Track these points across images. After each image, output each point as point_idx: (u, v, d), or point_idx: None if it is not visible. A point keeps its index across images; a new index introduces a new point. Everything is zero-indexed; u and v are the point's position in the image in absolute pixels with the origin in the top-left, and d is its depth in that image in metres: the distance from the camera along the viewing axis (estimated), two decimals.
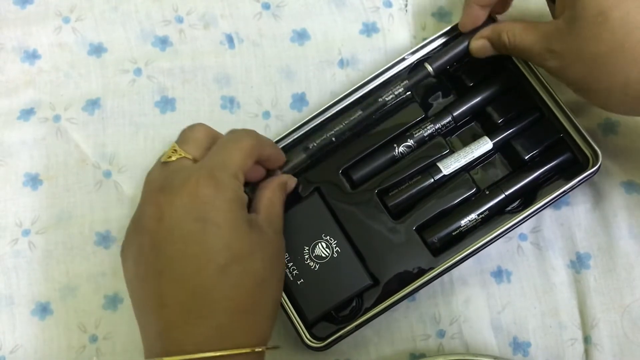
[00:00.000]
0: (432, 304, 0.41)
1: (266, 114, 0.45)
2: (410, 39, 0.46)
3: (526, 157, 0.40)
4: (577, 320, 0.40)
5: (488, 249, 0.39)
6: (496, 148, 0.41)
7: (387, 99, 0.41)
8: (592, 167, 0.38)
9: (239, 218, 0.33)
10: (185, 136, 0.36)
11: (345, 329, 0.38)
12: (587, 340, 0.40)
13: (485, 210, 0.39)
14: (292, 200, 0.39)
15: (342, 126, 0.40)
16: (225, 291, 0.32)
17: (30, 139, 0.44)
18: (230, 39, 0.46)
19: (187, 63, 0.45)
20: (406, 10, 0.46)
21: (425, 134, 0.41)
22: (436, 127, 0.41)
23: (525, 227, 0.42)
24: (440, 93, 0.42)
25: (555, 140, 0.40)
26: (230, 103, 0.45)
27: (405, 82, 0.41)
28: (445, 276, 0.41)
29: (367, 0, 0.46)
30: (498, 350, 0.40)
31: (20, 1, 0.46)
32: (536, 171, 0.39)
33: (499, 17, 0.41)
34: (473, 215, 0.39)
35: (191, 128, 0.37)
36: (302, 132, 0.42)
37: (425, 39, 0.42)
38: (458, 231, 0.39)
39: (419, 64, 0.42)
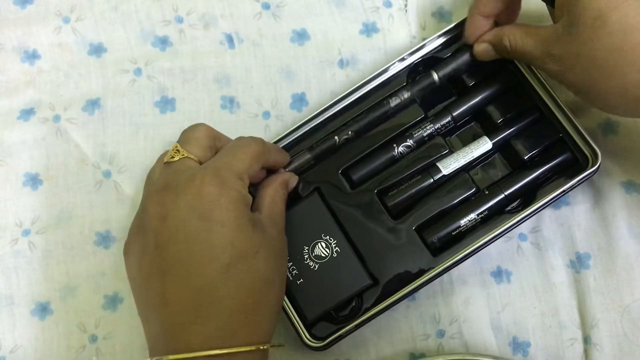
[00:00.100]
0: (432, 304, 0.41)
1: (266, 114, 0.45)
2: (410, 39, 0.46)
3: (526, 157, 0.40)
4: (576, 320, 0.40)
5: (488, 249, 0.39)
6: (496, 148, 0.41)
7: (392, 104, 0.41)
8: (592, 167, 0.39)
9: (243, 217, 0.33)
10: (186, 136, 0.37)
11: (345, 329, 0.38)
12: (586, 340, 0.40)
13: (484, 210, 0.39)
14: (291, 200, 0.40)
15: (346, 128, 0.41)
16: (230, 290, 0.32)
17: (30, 139, 0.44)
18: (230, 39, 0.46)
19: (187, 63, 0.45)
20: (406, 10, 0.46)
21: (425, 134, 0.41)
22: (436, 127, 0.41)
23: (524, 227, 0.42)
24: (440, 93, 0.42)
25: (555, 140, 0.40)
26: (230, 103, 0.45)
27: (410, 88, 0.41)
28: (445, 276, 0.41)
29: (367, 0, 0.46)
30: (498, 350, 0.40)
31: (20, 1, 0.46)
32: (536, 171, 0.39)
33: None
34: (473, 215, 0.39)
35: (193, 128, 0.37)
36: (302, 132, 0.42)
37: (425, 39, 0.42)
38: (458, 231, 0.39)
39: (425, 71, 0.42)
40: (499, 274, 0.41)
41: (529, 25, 0.37)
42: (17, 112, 0.44)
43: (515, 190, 0.39)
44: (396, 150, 0.41)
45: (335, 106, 0.42)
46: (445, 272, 0.38)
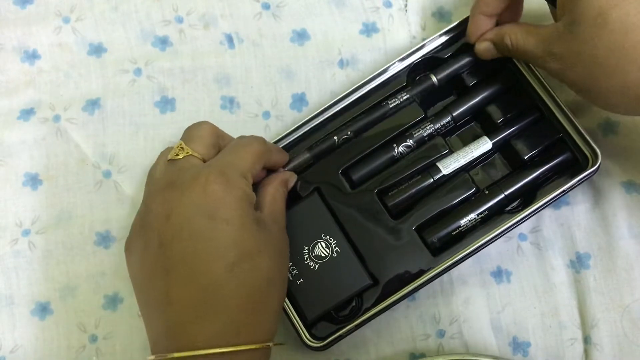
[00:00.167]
0: (432, 304, 0.41)
1: (266, 114, 0.45)
2: (410, 39, 0.46)
3: (526, 157, 0.40)
4: (576, 320, 0.40)
5: (488, 249, 0.39)
6: (496, 148, 0.41)
7: (391, 105, 0.41)
8: (592, 166, 0.39)
9: (248, 215, 0.33)
10: (191, 134, 0.37)
11: (345, 329, 0.38)
12: (586, 340, 0.40)
13: (484, 210, 0.39)
14: (291, 200, 0.40)
15: (346, 128, 0.41)
16: (235, 288, 0.32)
17: (30, 139, 0.44)
18: (230, 39, 0.46)
19: (187, 63, 0.45)
20: (406, 10, 0.46)
21: (425, 134, 0.41)
22: (436, 127, 0.41)
23: (524, 227, 0.42)
24: (439, 93, 0.42)
25: (555, 140, 0.40)
26: (230, 103, 0.45)
27: (410, 91, 0.41)
28: (445, 276, 0.41)
29: (367, 0, 0.46)
30: (498, 350, 0.40)
31: (20, 1, 0.46)
32: (536, 171, 0.39)
33: None
34: (473, 215, 0.39)
35: (197, 126, 0.37)
36: (302, 132, 0.42)
37: (425, 39, 0.42)
38: (458, 231, 0.39)
39: (424, 74, 0.42)
40: (499, 274, 0.41)
41: (530, 24, 0.37)
42: (17, 112, 0.44)
43: (515, 190, 0.39)
44: (396, 150, 0.41)
45: (335, 106, 0.42)
46: (445, 272, 0.38)
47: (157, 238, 0.32)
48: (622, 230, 0.41)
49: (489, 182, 0.41)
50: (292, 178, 0.40)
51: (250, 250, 0.32)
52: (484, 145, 0.40)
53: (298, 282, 0.38)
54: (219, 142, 0.37)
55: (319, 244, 0.39)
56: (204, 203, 0.32)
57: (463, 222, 0.39)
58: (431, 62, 0.42)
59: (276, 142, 0.41)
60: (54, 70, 0.45)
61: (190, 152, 0.35)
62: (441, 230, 0.39)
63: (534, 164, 0.40)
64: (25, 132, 0.44)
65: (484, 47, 0.40)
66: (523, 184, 0.39)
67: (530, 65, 0.40)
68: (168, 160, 0.35)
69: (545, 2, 0.38)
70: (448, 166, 0.40)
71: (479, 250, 0.38)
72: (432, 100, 0.42)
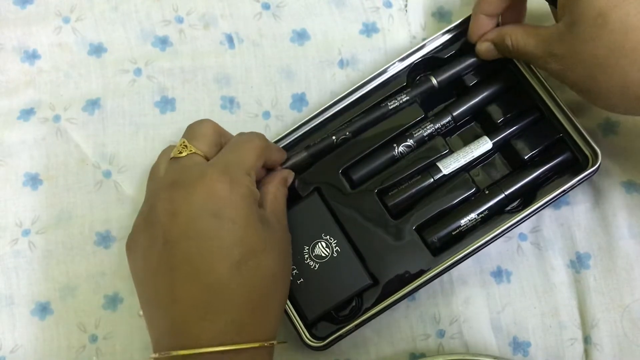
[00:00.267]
0: (432, 304, 0.41)
1: (266, 114, 0.45)
2: (410, 39, 0.46)
3: (526, 157, 0.40)
4: (577, 320, 0.40)
5: (488, 249, 0.39)
6: (496, 148, 0.41)
7: (391, 106, 0.41)
8: (592, 166, 0.39)
9: (252, 214, 0.33)
10: (193, 132, 0.37)
11: (345, 329, 0.38)
12: (587, 340, 0.40)
13: (485, 210, 0.39)
14: (291, 200, 0.40)
15: (344, 128, 0.41)
16: (240, 287, 0.32)
17: (30, 139, 0.44)
18: (230, 39, 0.46)
19: (187, 63, 0.45)
20: (406, 10, 0.46)
21: (425, 134, 0.41)
22: (436, 127, 0.41)
23: (524, 227, 0.42)
24: (439, 93, 0.42)
25: (555, 140, 0.40)
26: (230, 103, 0.45)
27: (409, 92, 0.41)
28: (445, 276, 0.41)
29: (367, 0, 0.46)
30: (498, 350, 0.40)
31: (20, 1, 0.46)
32: (536, 171, 0.39)
33: None
34: (473, 215, 0.39)
35: (199, 123, 0.37)
36: (302, 132, 0.42)
37: (425, 39, 0.42)
38: (458, 231, 0.39)
39: (424, 76, 0.42)
40: (499, 274, 0.41)
41: (531, 25, 0.37)
42: (17, 112, 0.44)
43: (516, 190, 0.39)
44: (396, 150, 0.41)
45: (335, 106, 0.42)
46: (445, 272, 0.38)
47: (162, 236, 0.32)
48: (622, 230, 0.41)
49: (489, 182, 0.41)
50: (291, 176, 0.40)
51: (255, 248, 0.33)
52: (484, 145, 0.40)
53: (298, 282, 0.38)
54: (220, 139, 0.37)
55: (319, 243, 0.39)
56: (210, 202, 0.32)
57: (463, 222, 0.39)
58: (431, 62, 0.43)
59: (276, 142, 0.41)
60: (54, 70, 0.45)
61: (193, 150, 0.35)
62: (441, 230, 0.39)
63: (534, 163, 0.40)
64: (25, 132, 0.44)
65: (484, 48, 0.40)
66: (523, 183, 0.39)
67: (531, 65, 0.40)
68: (171, 158, 0.35)
69: (546, 3, 0.38)
70: (448, 166, 0.40)
71: (479, 250, 0.38)
72: (432, 102, 0.42)
